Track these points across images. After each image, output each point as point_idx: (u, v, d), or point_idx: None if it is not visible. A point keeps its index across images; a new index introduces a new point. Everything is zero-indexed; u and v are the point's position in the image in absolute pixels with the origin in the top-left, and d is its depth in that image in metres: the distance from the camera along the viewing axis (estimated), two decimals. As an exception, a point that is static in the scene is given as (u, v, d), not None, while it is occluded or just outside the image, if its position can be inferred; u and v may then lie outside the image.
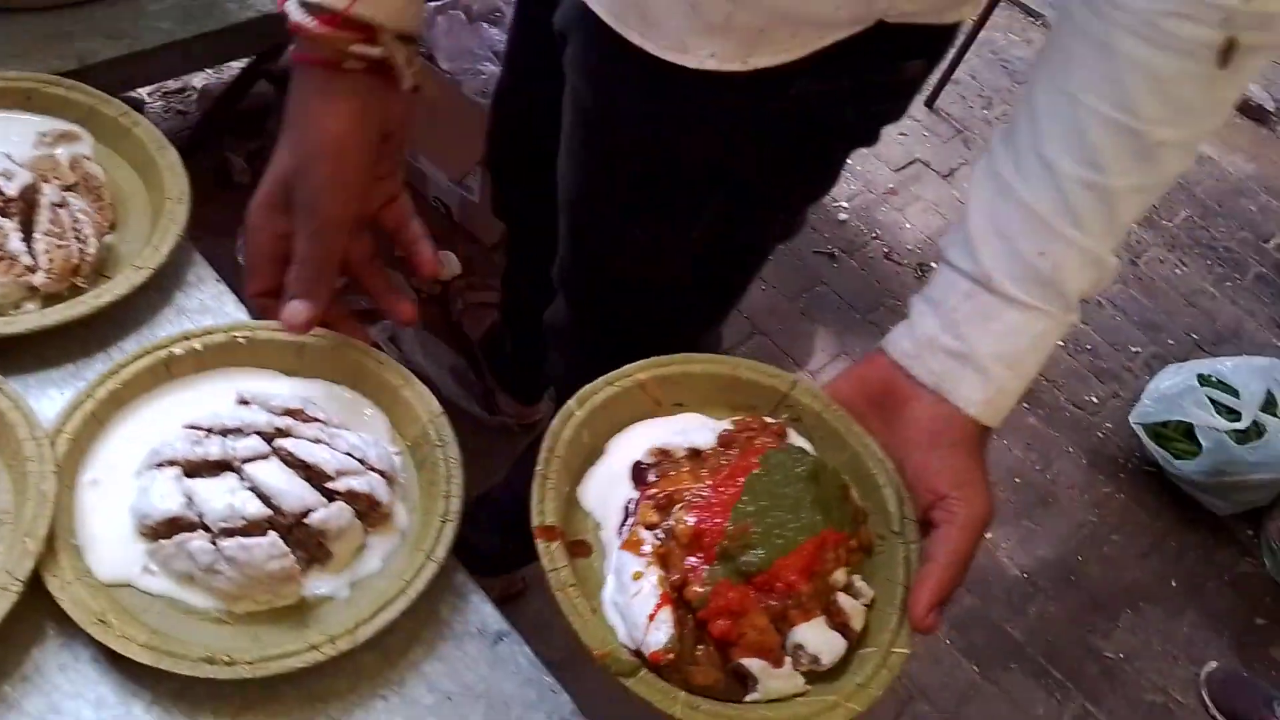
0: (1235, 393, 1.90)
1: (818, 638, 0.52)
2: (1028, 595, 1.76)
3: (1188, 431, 1.93)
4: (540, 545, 0.54)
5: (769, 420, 0.60)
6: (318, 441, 0.57)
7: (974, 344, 0.56)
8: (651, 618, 0.51)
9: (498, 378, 1.59)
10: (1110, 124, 0.52)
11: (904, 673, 1.57)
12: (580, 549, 0.57)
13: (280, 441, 0.57)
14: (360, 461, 0.58)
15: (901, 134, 2.58)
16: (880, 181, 2.43)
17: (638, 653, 0.52)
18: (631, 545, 0.54)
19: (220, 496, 0.54)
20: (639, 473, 0.58)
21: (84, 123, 0.72)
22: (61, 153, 0.68)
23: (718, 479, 0.55)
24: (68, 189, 0.67)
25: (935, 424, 0.57)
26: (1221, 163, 2.91)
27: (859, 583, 0.55)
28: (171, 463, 0.56)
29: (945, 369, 0.57)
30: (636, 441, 0.60)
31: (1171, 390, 1.96)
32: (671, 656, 0.50)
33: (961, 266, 0.57)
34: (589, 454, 0.60)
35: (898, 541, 0.57)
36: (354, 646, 0.54)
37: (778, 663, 0.51)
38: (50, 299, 0.64)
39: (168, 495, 0.55)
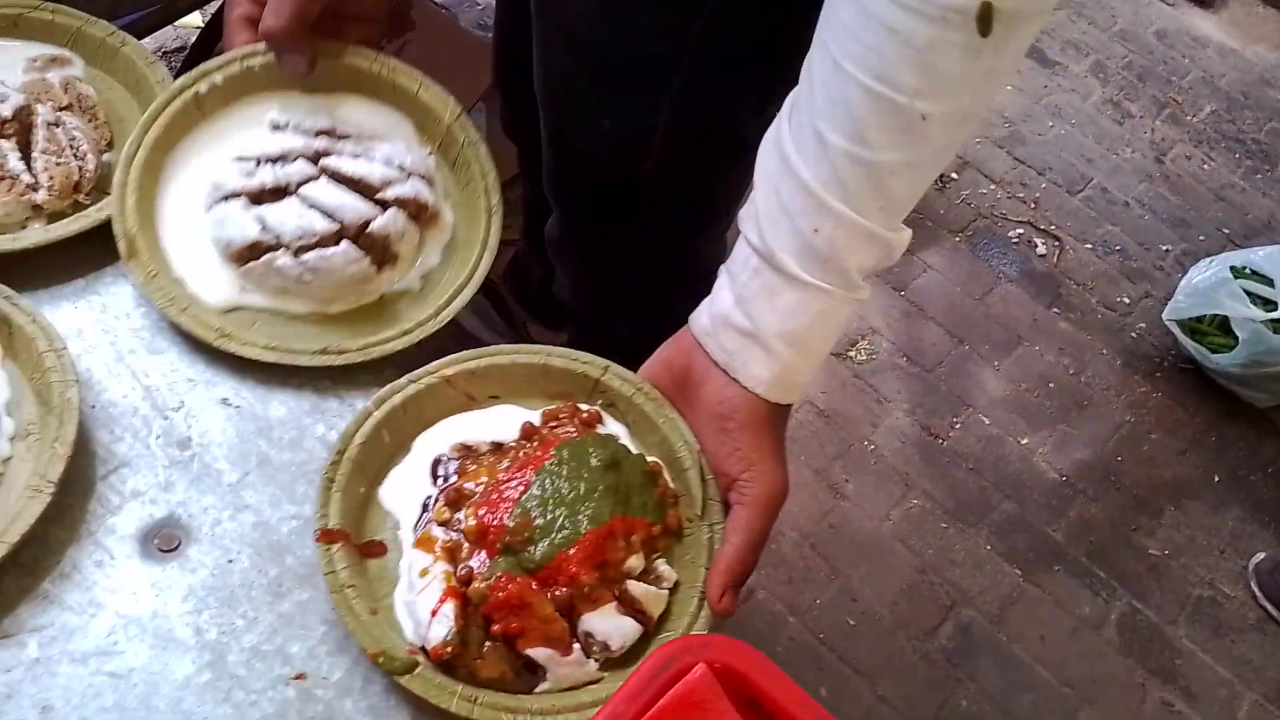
0: (1270, 282, 1.85)
1: (606, 625, 0.52)
2: (1067, 498, 1.74)
3: (1223, 325, 1.88)
4: (320, 549, 0.53)
5: (583, 407, 0.60)
6: (356, 157, 0.62)
7: (760, 322, 0.55)
8: (434, 613, 0.51)
9: (527, 308, 1.57)
10: (872, 95, 0.48)
11: (945, 580, 1.59)
12: (375, 549, 0.56)
13: (325, 161, 0.62)
14: (399, 168, 0.62)
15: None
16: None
17: (424, 649, 0.51)
18: (424, 543, 0.54)
19: (289, 218, 0.60)
20: (438, 469, 0.58)
21: (73, 46, 0.71)
22: (53, 76, 0.68)
23: (508, 474, 0.55)
24: (62, 110, 0.66)
25: (724, 407, 0.57)
26: (1245, 53, 2.82)
27: (662, 567, 0.55)
28: (235, 194, 0.61)
29: (736, 347, 0.56)
30: (442, 437, 0.59)
31: (1204, 284, 1.91)
32: (450, 651, 0.50)
33: (752, 240, 0.55)
34: (392, 452, 0.59)
35: (702, 524, 0.57)
36: (441, 328, 0.63)
37: (566, 651, 0.51)
38: (55, 217, 0.63)
39: (243, 223, 0.60)
